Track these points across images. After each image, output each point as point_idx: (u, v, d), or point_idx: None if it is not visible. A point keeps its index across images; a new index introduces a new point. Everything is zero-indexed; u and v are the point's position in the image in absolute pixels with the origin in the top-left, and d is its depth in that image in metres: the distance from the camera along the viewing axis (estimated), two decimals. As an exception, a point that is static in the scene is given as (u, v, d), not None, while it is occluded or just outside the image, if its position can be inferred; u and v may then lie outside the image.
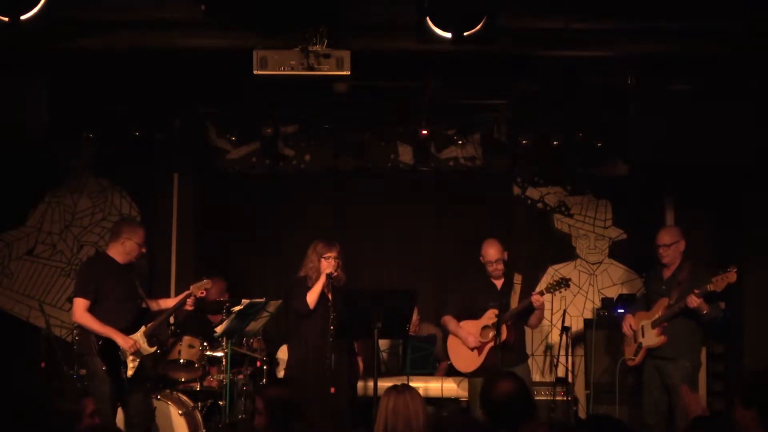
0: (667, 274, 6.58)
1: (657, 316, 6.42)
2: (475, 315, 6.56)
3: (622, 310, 7.36)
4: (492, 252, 6.51)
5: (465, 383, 6.89)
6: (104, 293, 6.09)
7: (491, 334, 6.39)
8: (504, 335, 6.32)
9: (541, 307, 6.41)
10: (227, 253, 8.45)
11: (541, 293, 6.31)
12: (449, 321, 6.67)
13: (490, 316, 6.44)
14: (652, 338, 6.43)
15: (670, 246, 6.53)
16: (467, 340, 6.49)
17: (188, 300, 6.40)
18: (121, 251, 6.19)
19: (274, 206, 8.50)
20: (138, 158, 8.22)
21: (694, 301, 6.17)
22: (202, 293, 6.53)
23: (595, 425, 3.34)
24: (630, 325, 6.59)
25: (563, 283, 6.34)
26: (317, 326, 6.28)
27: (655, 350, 6.43)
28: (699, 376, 6.75)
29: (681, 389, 6.14)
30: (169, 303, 6.51)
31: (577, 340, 8.05)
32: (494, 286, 6.57)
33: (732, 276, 6.11)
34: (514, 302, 6.44)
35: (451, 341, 6.67)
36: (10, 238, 8.49)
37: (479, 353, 6.47)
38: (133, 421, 6.15)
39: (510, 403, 3.75)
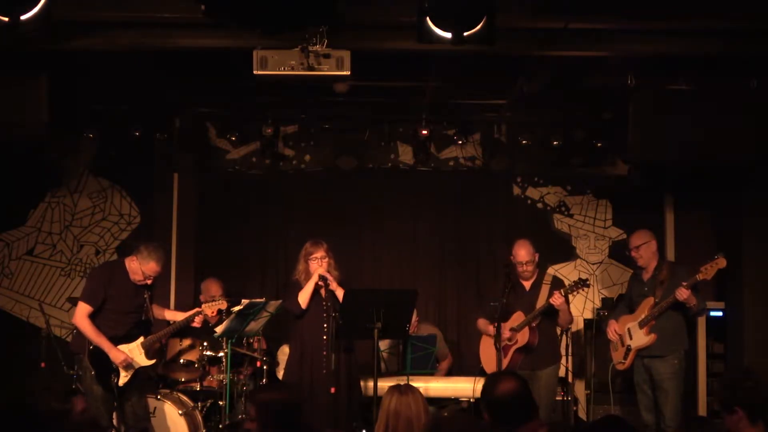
0: (646, 276, 6.61)
1: (644, 316, 6.43)
2: (505, 318, 6.52)
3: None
4: (523, 253, 6.56)
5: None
6: (108, 301, 6.11)
7: (516, 335, 6.44)
8: (526, 337, 6.33)
9: (563, 307, 6.42)
10: (227, 254, 8.45)
11: (561, 293, 6.34)
12: (481, 323, 6.73)
13: (515, 318, 6.49)
14: (641, 338, 6.43)
15: (640, 247, 6.57)
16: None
17: (197, 318, 6.40)
18: (129, 267, 6.19)
19: (274, 206, 8.49)
20: (138, 158, 8.22)
21: (683, 293, 6.18)
22: (213, 313, 6.51)
23: (604, 426, 3.33)
24: (615, 330, 6.60)
25: (582, 283, 6.40)
26: (311, 326, 6.30)
27: (644, 349, 6.44)
28: (690, 371, 6.79)
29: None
30: (175, 316, 6.49)
31: (577, 340, 8.04)
32: (523, 287, 6.61)
33: (721, 262, 6.16)
34: (543, 302, 6.46)
35: (483, 342, 6.72)
36: (10, 238, 8.49)
37: (504, 355, 6.47)
38: (129, 422, 6.14)
39: (510, 403, 3.74)
